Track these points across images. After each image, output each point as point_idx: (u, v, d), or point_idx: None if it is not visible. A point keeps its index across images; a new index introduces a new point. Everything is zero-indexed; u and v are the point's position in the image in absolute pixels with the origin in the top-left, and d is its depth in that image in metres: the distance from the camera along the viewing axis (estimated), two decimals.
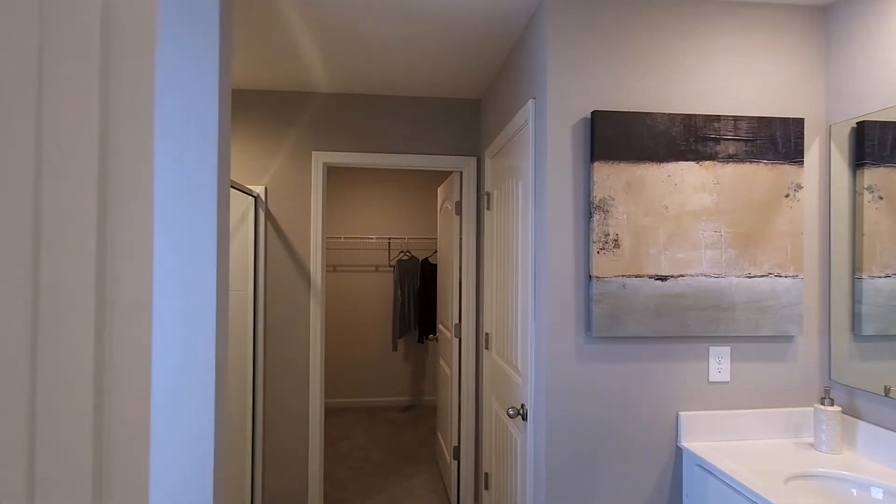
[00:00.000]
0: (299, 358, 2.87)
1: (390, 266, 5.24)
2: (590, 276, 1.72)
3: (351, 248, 5.20)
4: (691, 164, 1.75)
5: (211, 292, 1.20)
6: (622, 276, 1.72)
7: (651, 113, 1.74)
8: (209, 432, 1.20)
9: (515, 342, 2.12)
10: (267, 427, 2.84)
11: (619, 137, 1.72)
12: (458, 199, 3.08)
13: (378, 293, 5.24)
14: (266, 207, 2.85)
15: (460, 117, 3.00)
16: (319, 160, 2.88)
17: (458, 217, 3.08)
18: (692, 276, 1.75)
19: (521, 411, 1.99)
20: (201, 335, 1.19)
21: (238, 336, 2.80)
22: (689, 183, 1.75)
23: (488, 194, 2.71)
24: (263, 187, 2.85)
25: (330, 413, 5.01)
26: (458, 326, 3.06)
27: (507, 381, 2.25)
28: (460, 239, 3.07)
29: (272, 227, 2.86)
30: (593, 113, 1.72)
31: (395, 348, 4.94)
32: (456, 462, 3.07)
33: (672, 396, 1.78)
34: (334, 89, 2.87)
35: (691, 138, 1.75)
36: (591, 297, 1.71)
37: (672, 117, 1.74)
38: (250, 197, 2.80)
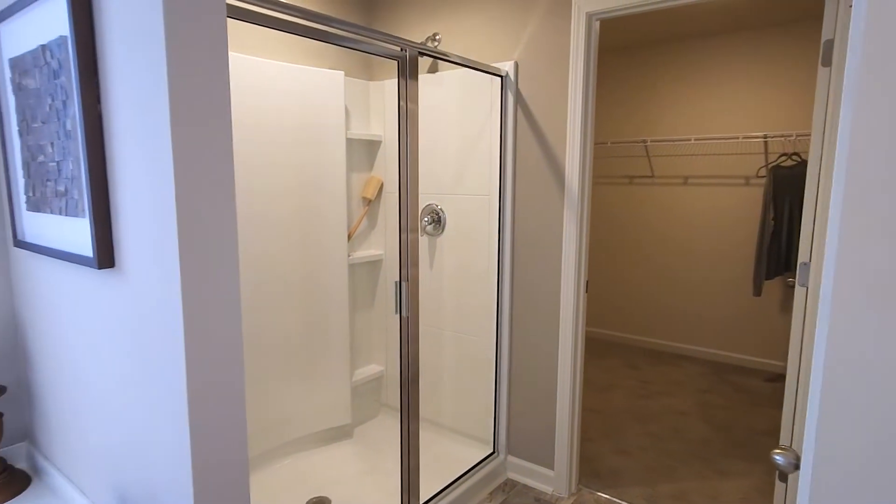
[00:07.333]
0: (551, 285, 2.23)
1: (761, 177, 3.70)
2: None
3: (701, 154, 3.91)
4: None
5: None
6: None
7: None
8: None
9: None
10: (514, 359, 2.37)
11: None
12: (830, 38, 1.67)
13: (744, 214, 3.83)
14: (516, 90, 2.22)
15: None
16: (581, 11, 2.02)
17: (827, 69, 1.69)
18: None
19: None
20: None
21: (477, 250, 2.36)
22: None
23: None
24: (513, 63, 2.21)
25: (664, 359, 4.10)
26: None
27: None
28: (826, 112, 1.69)
29: (523, 114, 2.22)
30: None
31: (757, 292, 3.53)
32: (784, 485, 1.88)
33: None
34: None
35: None
36: None
37: None
38: (496, 77, 2.22)
